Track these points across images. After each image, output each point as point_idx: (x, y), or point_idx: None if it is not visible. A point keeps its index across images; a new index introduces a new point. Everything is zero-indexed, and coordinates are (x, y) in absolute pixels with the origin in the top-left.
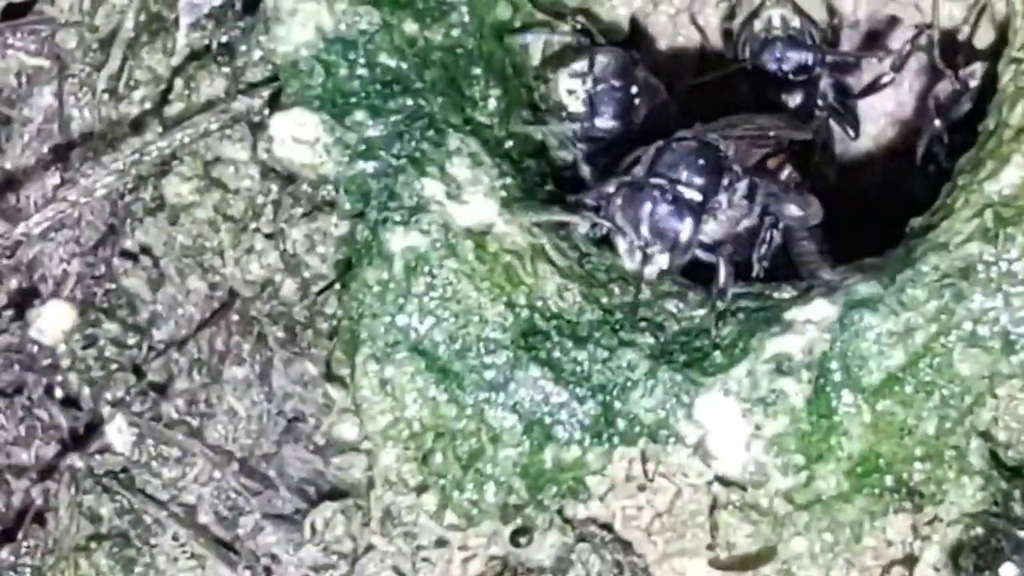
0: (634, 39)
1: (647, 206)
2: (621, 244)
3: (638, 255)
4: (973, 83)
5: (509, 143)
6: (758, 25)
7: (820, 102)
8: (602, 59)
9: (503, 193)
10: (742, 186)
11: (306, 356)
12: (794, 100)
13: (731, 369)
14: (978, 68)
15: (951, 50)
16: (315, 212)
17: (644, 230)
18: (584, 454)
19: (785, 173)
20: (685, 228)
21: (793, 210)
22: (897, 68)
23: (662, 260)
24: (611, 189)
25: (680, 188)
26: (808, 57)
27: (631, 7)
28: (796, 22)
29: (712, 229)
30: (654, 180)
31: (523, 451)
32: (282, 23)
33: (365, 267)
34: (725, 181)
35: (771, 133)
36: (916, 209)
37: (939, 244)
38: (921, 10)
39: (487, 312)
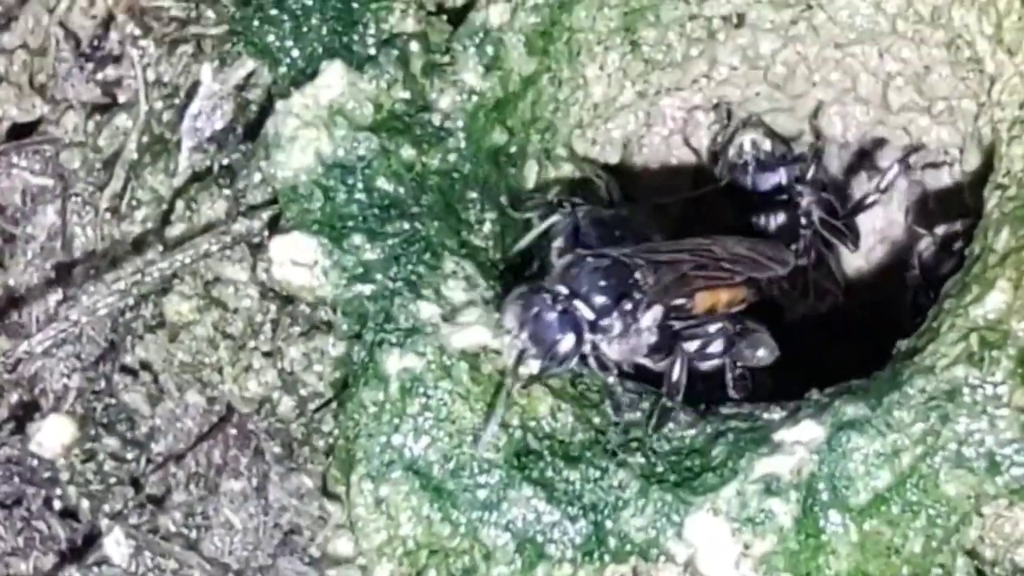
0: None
1: (535, 310)
2: (503, 338)
3: (514, 353)
4: (956, 245)
5: (503, 266)
6: (731, 151)
7: (804, 220)
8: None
9: (497, 315)
10: (650, 314)
11: (302, 470)
12: (777, 220)
13: (721, 489)
14: (959, 227)
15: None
16: (312, 331)
17: (525, 332)
18: (576, 572)
19: (737, 307)
20: (565, 341)
21: (745, 353)
22: (883, 189)
23: (534, 365)
24: (515, 288)
25: (575, 301)
26: (782, 178)
27: (625, 130)
28: (767, 145)
29: (608, 349)
30: (551, 287)
31: (515, 569)
32: (282, 148)
33: (361, 388)
34: (628, 305)
35: (727, 265)
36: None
37: (925, 367)
38: (909, 133)
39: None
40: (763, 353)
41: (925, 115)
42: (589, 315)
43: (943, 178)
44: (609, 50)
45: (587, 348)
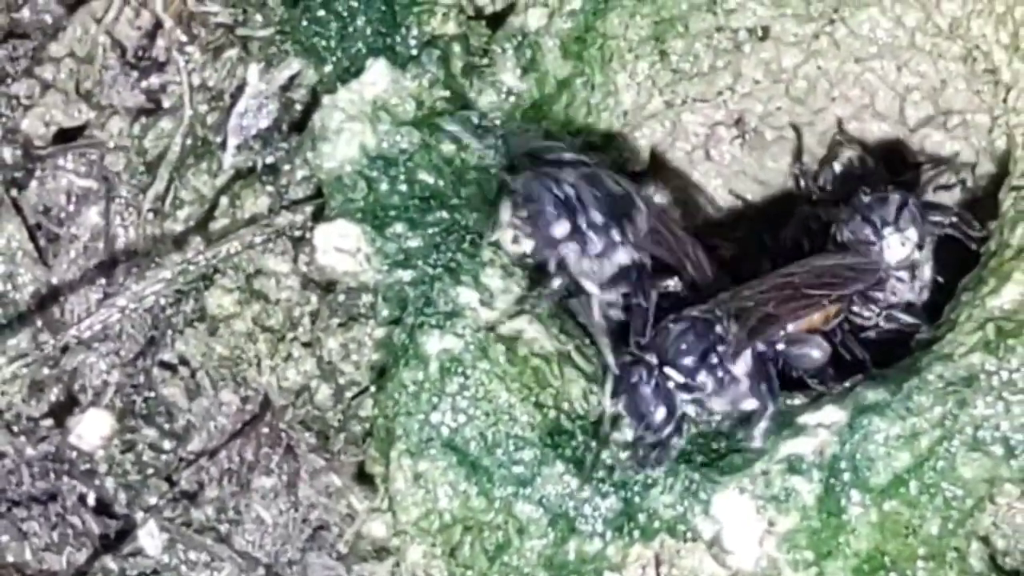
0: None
1: (631, 381)
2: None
3: (608, 421)
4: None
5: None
6: (837, 166)
7: None
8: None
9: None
10: (741, 362)
11: (332, 469)
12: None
13: (746, 468)
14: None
15: None
16: (351, 322)
17: (621, 401)
18: (605, 547)
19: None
20: (659, 412)
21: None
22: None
23: (628, 432)
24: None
25: (665, 369)
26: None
27: (651, 139)
28: (869, 161)
29: (712, 404)
30: (643, 359)
31: (548, 543)
32: (328, 141)
33: (402, 368)
34: (714, 359)
35: (812, 292)
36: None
37: (944, 355)
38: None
39: (516, 411)
40: (817, 355)
41: (940, 130)
42: (680, 379)
43: (954, 197)
44: (639, 58)
45: (689, 408)
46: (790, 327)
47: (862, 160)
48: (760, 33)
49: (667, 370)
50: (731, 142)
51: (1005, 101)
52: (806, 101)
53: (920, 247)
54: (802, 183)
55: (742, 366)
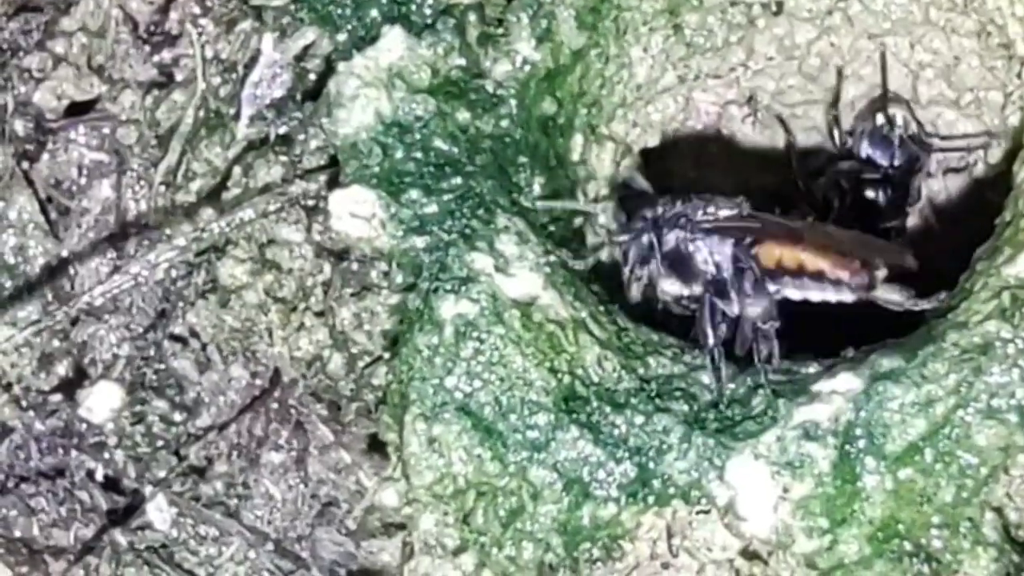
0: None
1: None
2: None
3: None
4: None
5: (552, 228)
6: (879, 119)
7: (911, 199)
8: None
9: (547, 269)
10: (710, 242)
11: (342, 444)
12: (888, 195)
13: (761, 435)
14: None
15: None
16: (364, 292)
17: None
18: (620, 512)
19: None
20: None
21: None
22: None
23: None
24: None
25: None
26: (916, 159)
27: (664, 114)
28: (913, 126)
29: (666, 281)
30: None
31: (562, 508)
32: (344, 107)
33: (416, 333)
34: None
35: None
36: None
37: (959, 323)
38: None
39: (531, 376)
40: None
41: (953, 108)
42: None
43: (962, 181)
44: (653, 32)
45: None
46: (762, 249)
47: (905, 120)
48: (774, 8)
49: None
50: (743, 121)
51: (1020, 75)
52: (819, 79)
53: None
54: (835, 134)
55: (706, 248)
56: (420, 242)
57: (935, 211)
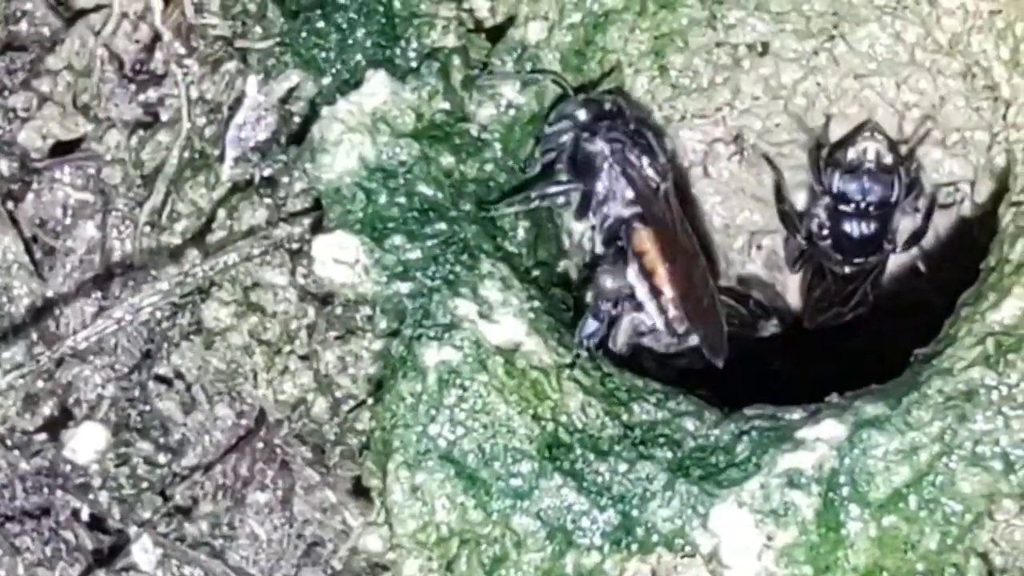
0: None
1: None
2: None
3: None
4: None
5: (536, 272)
6: (851, 152)
7: (890, 236)
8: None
9: (531, 315)
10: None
11: (327, 484)
12: (867, 230)
13: (745, 482)
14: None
15: None
16: (348, 335)
17: None
18: (603, 560)
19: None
20: None
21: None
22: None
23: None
24: None
25: None
26: (892, 193)
27: None
28: (888, 159)
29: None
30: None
31: (545, 556)
32: (327, 152)
33: (400, 380)
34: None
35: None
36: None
37: (943, 369)
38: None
39: (514, 424)
40: (609, 283)
41: (939, 148)
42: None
43: (950, 217)
44: (639, 73)
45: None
46: (637, 236)
47: (878, 153)
48: (760, 49)
49: None
50: (729, 159)
51: (1005, 117)
52: (805, 118)
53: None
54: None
55: (606, 179)
56: (404, 288)
57: (923, 251)
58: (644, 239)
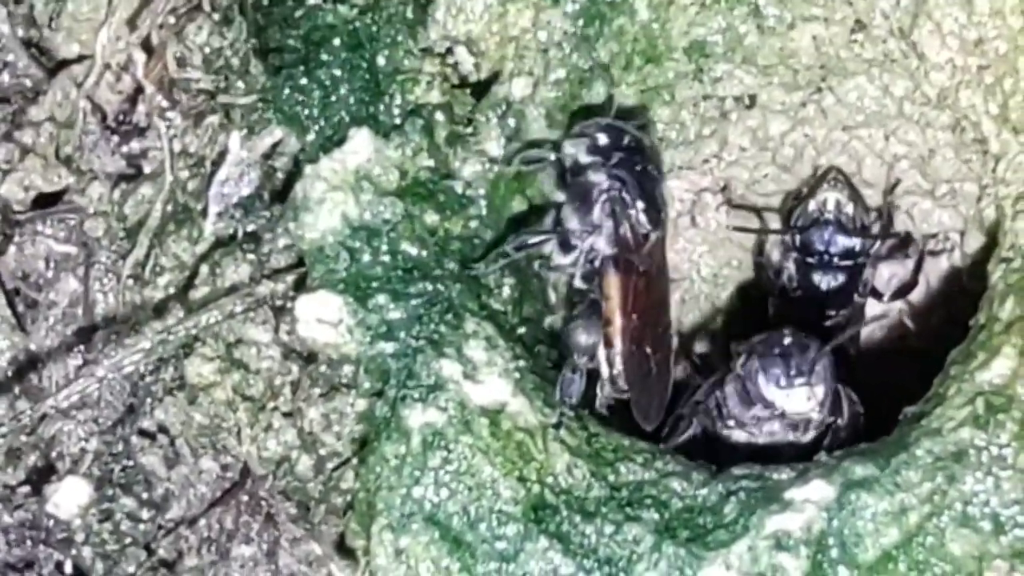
0: None
1: None
2: None
3: None
4: None
5: (521, 330)
6: (812, 204)
7: (861, 288)
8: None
9: (516, 375)
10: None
11: (313, 537)
12: (835, 282)
13: (732, 544)
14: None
15: None
16: (332, 392)
17: None
18: None
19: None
20: None
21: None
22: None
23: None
24: None
25: None
26: (856, 244)
27: None
28: (849, 209)
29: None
30: None
31: None
32: (310, 211)
33: (384, 442)
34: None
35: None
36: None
37: (932, 429)
38: (912, 216)
39: (499, 486)
40: (583, 339)
41: (928, 198)
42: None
43: (941, 265)
44: None
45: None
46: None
47: (839, 204)
48: (747, 101)
49: None
50: (717, 209)
51: (994, 171)
52: (792, 169)
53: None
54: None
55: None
56: (388, 348)
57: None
58: (612, 284)
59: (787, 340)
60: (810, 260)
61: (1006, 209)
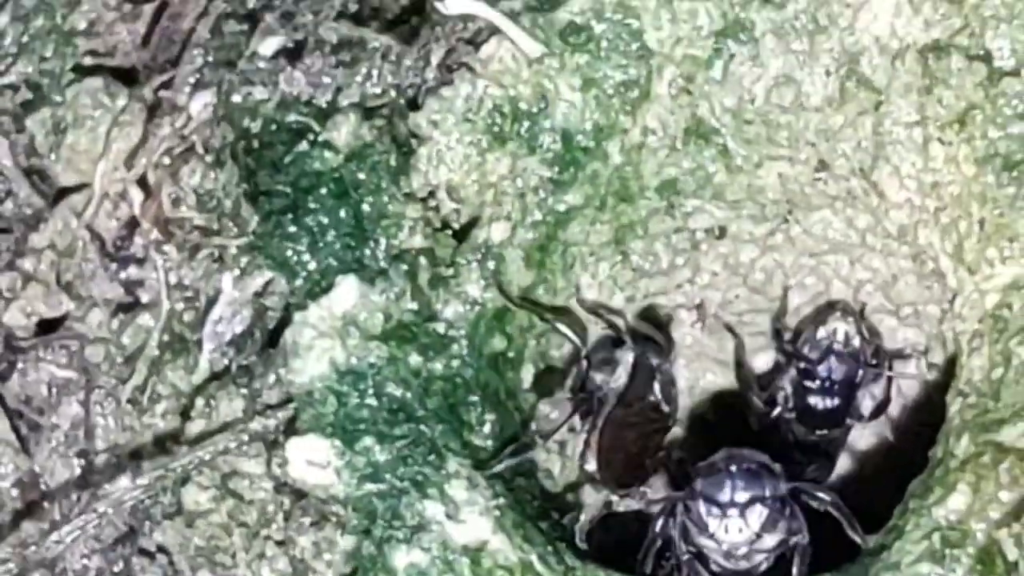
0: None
1: None
2: None
3: None
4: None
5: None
6: (821, 332)
7: (853, 410)
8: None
9: (496, 512)
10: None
11: None
12: (831, 404)
13: None
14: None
15: None
16: (322, 522)
17: None
18: None
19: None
20: None
21: None
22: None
23: None
24: None
25: None
26: (857, 375)
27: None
28: (856, 341)
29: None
30: None
31: None
32: (299, 357)
33: None
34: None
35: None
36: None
37: (892, 563)
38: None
39: None
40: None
41: (893, 317)
42: None
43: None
44: (600, 260)
45: None
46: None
47: (847, 336)
48: (717, 232)
49: None
50: (692, 325)
51: (952, 305)
52: (763, 290)
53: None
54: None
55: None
56: (374, 488)
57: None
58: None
59: (732, 465)
60: (810, 384)
61: (963, 345)
